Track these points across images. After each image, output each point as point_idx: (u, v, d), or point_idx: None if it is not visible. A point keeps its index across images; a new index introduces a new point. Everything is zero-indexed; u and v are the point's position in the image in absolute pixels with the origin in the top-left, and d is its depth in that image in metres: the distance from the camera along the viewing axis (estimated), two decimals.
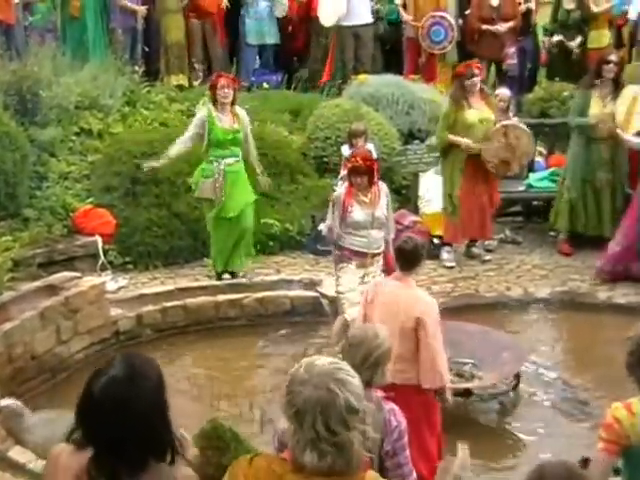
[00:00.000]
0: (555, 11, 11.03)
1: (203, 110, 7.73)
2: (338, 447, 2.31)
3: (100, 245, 8.02)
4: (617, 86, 8.24)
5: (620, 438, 3.26)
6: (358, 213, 6.17)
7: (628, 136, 7.97)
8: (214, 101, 7.60)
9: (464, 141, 8.07)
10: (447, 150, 8.25)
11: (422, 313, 4.80)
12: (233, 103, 7.63)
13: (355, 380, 2.39)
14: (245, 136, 7.67)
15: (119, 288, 7.68)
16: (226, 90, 7.53)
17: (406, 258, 4.97)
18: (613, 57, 8.39)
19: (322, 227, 8.32)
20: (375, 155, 8.42)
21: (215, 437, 4.44)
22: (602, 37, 10.51)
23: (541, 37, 11.57)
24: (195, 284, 7.75)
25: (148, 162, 7.81)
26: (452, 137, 8.12)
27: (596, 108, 8.24)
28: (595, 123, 8.17)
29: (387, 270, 6.26)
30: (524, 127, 8.38)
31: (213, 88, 7.61)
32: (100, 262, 7.98)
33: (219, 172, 7.49)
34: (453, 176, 8.23)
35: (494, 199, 8.41)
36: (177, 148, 7.66)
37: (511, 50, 10.90)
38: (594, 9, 10.66)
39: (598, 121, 8.16)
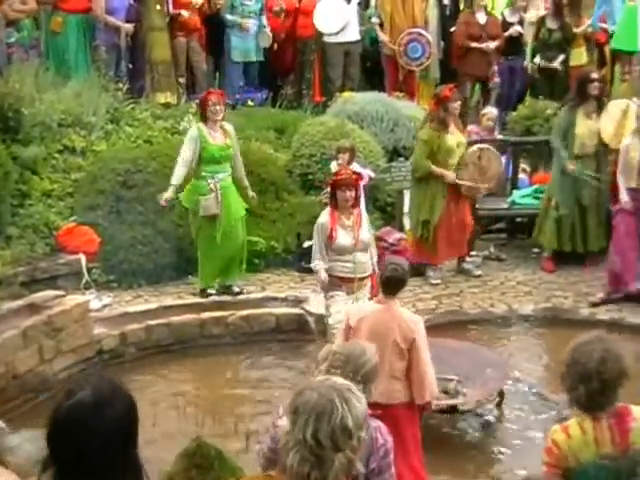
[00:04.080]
0: (538, 30, 11.14)
1: (193, 129, 7.72)
2: (319, 460, 2.31)
3: (84, 263, 7.98)
4: (600, 104, 8.32)
5: (559, 461, 3.27)
6: (343, 237, 6.20)
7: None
8: (204, 118, 7.60)
9: (449, 175, 8.12)
10: (427, 177, 8.24)
11: (416, 333, 4.87)
12: (222, 119, 7.68)
13: (361, 407, 2.39)
14: (234, 151, 7.74)
15: (103, 306, 7.64)
16: (217, 107, 7.61)
17: (394, 285, 4.99)
18: (595, 75, 8.48)
19: (307, 244, 8.36)
20: (371, 174, 8.51)
21: (199, 455, 4.41)
22: (581, 55, 10.60)
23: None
24: (180, 302, 7.74)
25: (160, 195, 7.76)
26: (436, 169, 8.13)
27: (582, 127, 8.30)
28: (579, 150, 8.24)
29: (373, 293, 6.31)
30: (496, 152, 8.50)
31: (204, 105, 7.64)
32: (84, 280, 7.94)
33: (215, 187, 7.53)
34: (434, 203, 8.23)
35: (469, 221, 8.47)
36: (182, 171, 7.63)
37: (495, 68, 10.98)
38: (575, 30, 10.78)
39: (579, 144, 8.23)
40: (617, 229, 7.91)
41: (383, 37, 11.14)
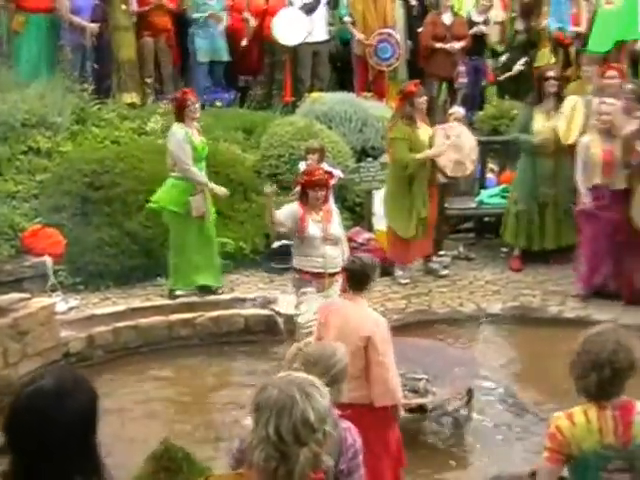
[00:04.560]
0: (503, 32, 11.24)
1: (179, 131, 7.64)
2: (283, 455, 2.30)
3: (50, 265, 7.89)
4: (560, 101, 8.39)
5: (562, 447, 3.30)
6: (313, 228, 6.22)
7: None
8: (182, 118, 7.60)
9: (429, 152, 8.13)
10: (411, 175, 8.19)
11: (371, 332, 4.79)
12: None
13: (323, 400, 2.39)
14: None
15: (69, 309, 7.57)
16: (196, 106, 7.65)
17: (354, 278, 4.96)
18: (552, 73, 8.60)
19: (276, 245, 8.35)
20: (341, 174, 8.53)
21: (167, 458, 4.38)
22: (544, 56, 10.68)
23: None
24: (148, 304, 7.69)
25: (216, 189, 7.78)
26: (419, 155, 8.13)
27: (539, 123, 8.40)
28: (538, 141, 8.31)
29: (344, 289, 6.32)
30: (459, 125, 8.53)
31: (183, 104, 7.62)
32: (50, 283, 7.85)
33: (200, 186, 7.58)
34: (424, 199, 8.25)
35: (435, 219, 8.50)
36: (199, 173, 7.62)
37: (462, 69, 11.04)
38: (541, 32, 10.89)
39: (541, 139, 8.30)
40: (583, 232, 7.99)
41: (359, 35, 11.14)
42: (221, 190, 7.80)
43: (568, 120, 8.29)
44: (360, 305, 4.93)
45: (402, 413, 5.04)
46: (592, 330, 3.42)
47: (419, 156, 8.13)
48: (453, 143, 8.23)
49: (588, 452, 3.28)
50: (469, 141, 8.40)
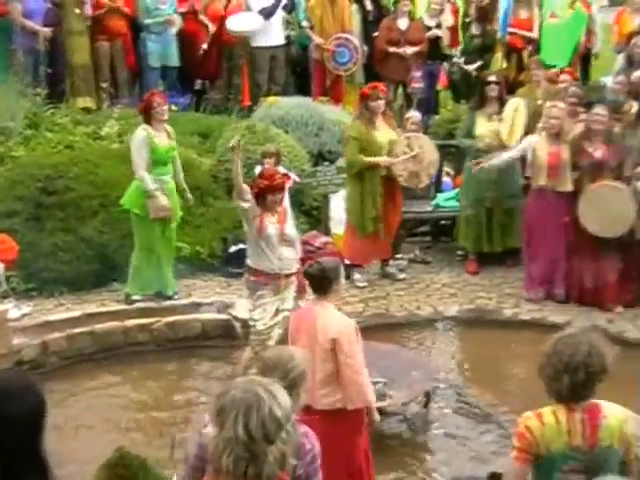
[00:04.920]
0: (454, 36, 11.38)
1: (140, 131, 7.60)
2: (253, 455, 2.30)
3: (2, 271, 7.76)
4: (502, 105, 8.49)
5: (531, 447, 3.32)
6: (271, 228, 6.21)
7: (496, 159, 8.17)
8: (148, 119, 7.56)
9: (381, 159, 8.15)
10: (362, 173, 8.27)
11: (337, 334, 4.77)
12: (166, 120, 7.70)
13: (286, 399, 2.44)
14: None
15: (22, 315, 7.45)
16: (164, 107, 7.60)
17: (315, 282, 4.93)
18: (493, 77, 8.69)
19: (233, 249, 8.32)
20: (297, 178, 8.52)
21: (121, 466, 4.32)
22: (497, 61, 10.79)
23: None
24: (103, 309, 7.60)
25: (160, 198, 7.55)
26: (368, 159, 8.17)
27: (482, 127, 8.49)
28: (482, 145, 8.40)
29: (299, 290, 6.32)
30: (425, 137, 8.55)
31: (148, 107, 7.57)
32: (2, 289, 7.72)
33: (163, 188, 7.51)
34: (375, 198, 8.27)
35: (396, 221, 8.52)
36: (148, 179, 7.48)
37: (417, 74, 11.10)
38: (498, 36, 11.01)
39: (485, 144, 8.38)
40: (529, 235, 8.08)
41: (318, 39, 11.15)
42: (160, 202, 7.54)
43: (510, 122, 8.39)
44: (326, 309, 4.90)
45: (378, 417, 5.01)
46: (564, 332, 3.44)
47: (368, 159, 8.16)
48: (413, 155, 8.22)
49: (556, 453, 3.30)
50: (430, 156, 8.38)
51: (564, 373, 3.28)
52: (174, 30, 10.98)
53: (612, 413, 3.38)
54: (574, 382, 3.28)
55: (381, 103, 8.21)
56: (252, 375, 3.78)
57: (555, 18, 10.26)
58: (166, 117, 7.66)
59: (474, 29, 11.12)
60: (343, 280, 5.19)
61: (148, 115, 7.59)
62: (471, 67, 11.01)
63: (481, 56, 11.06)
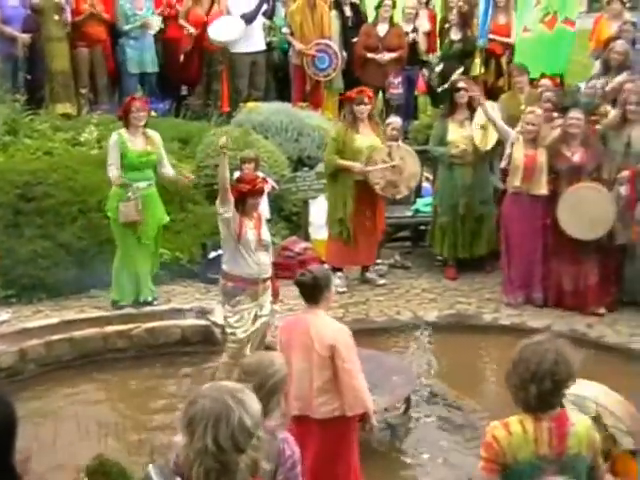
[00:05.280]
0: (431, 42, 11.42)
1: (114, 135, 7.65)
2: (223, 465, 2.29)
3: None
4: (472, 111, 8.53)
5: (498, 457, 3.30)
6: (250, 233, 6.20)
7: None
8: (127, 124, 7.58)
9: (356, 165, 8.16)
10: (336, 174, 8.30)
11: (334, 340, 4.79)
12: (145, 126, 7.66)
13: (256, 405, 2.41)
14: (160, 157, 7.74)
15: (1, 322, 7.42)
16: (141, 113, 7.59)
17: (307, 291, 4.93)
18: (462, 84, 8.71)
19: (213, 255, 8.30)
20: (275, 185, 8.53)
21: (101, 473, 4.32)
22: (476, 66, 10.85)
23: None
24: (82, 316, 7.57)
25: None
26: (342, 161, 8.19)
27: (454, 134, 8.53)
28: (455, 152, 8.43)
29: (274, 294, 6.38)
30: (410, 149, 8.52)
31: (126, 111, 7.59)
32: None
33: (134, 193, 7.49)
34: (346, 200, 8.28)
35: (380, 225, 8.52)
36: (115, 171, 7.54)
37: (396, 80, 11.14)
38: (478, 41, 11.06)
39: (459, 151, 8.42)
40: (506, 239, 8.12)
41: (298, 45, 11.16)
42: (129, 207, 7.52)
43: (484, 127, 8.43)
44: (319, 316, 4.91)
45: (375, 423, 4.99)
46: (530, 340, 3.39)
47: (342, 162, 8.17)
48: (392, 165, 8.20)
49: (523, 462, 3.28)
50: (412, 168, 8.33)
51: (531, 382, 3.25)
52: (153, 31, 10.95)
53: (580, 420, 3.37)
54: (541, 391, 3.25)
55: (364, 108, 8.20)
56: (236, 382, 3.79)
57: (528, 32, 10.32)
58: (142, 123, 7.62)
59: (453, 34, 11.16)
60: (333, 288, 5.21)
61: (126, 119, 7.61)
62: (453, 76, 11.03)
63: (461, 62, 11.11)
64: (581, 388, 3.72)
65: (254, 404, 2.40)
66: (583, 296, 7.85)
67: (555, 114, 8.28)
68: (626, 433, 3.75)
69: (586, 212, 7.55)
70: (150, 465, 3.20)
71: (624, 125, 7.85)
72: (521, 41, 10.43)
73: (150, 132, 7.74)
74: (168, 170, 7.88)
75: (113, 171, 7.56)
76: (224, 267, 6.34)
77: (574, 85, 9.79)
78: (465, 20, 11.11)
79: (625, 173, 7.72)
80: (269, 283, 6.33)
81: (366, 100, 8.22)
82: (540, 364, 3.25)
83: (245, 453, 2.32)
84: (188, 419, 2.35)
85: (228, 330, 6.35)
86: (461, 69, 10.98)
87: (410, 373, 6.53)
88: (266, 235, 6.34)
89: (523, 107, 8.62)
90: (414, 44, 11.46)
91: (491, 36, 10.85)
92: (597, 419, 3.70)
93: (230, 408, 2.34)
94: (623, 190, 7.71)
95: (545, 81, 8.78)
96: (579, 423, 3.35)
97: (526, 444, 3.28)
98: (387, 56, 11.06)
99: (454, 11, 11.26)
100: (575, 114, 7.83)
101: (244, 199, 6.18)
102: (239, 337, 6.24)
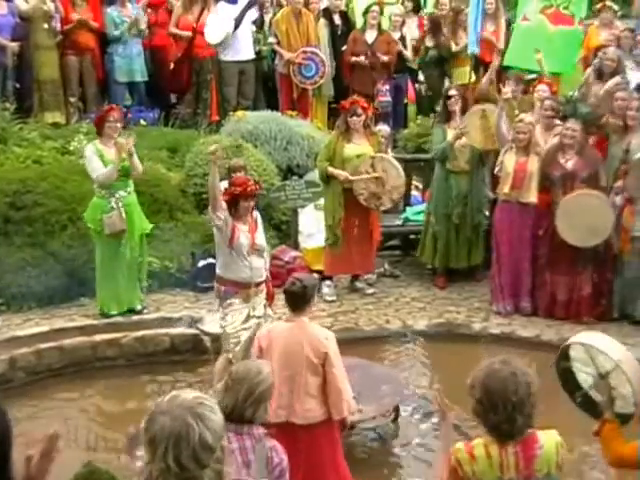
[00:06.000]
0: (416, 50, 11.49)
1: (89, 147, 7.64)
2: None
3: None
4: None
5: None
6: (243, 237, 6.22)
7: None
8: (100, 134, 7.57)
9: (342, 173, 8.19)
10: (328, 181, 8.35)
11: (326, 347, 4.89)
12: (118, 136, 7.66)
13: (216, 417, 2.36)
14: (131, 162, 7.66)
15: None
16: (117, 124, 7.58)
17: (296, 300, 4.98)
18: (453, 91, 8.77)
19: (202, 263, 8.31)
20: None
21: None
22: (464, 74, 10.91)
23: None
24: (71, 324, 7.57)
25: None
26: (330, 169, 8.24)
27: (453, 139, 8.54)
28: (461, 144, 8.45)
29: (268, 298, 6.41)
30: (394, 161, 8.49)
31: (103, 120, 7.57)
32: None
33: (116, 203, 7.48)
34: (334, 207, 8.32)
35: (375, 233, 8.54)
36: (106, 171, 7.49)
37: (383, 88, 11.17)
38: (454, 48, 11.09)
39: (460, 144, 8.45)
40: (496, 248, 8.14)
41: (285, 54, 11.18)
42: (114, 219, 7.50)
43: (482, 129, 8.44)
44: (305, 325, 4.96)
45: (349, 420, 5.08)
46: (487, 367, 3.26)
47: (330, 169, 8.23)
48: (374, 176, 8.20)
49: None
50: (394, 181, 8.29)
51: (490, 411, 3.15)
52: (143, 26, 10.95)
53: (548, 440, 3.26)
54: (507, 419, 3.14)
55: (357, 120, 8.20)
56: (223, 390, 3.79)
57: (526, 21, 10.31)
58: (116, 134, 7.57)
59: (428, 41, 11.25)
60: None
61: (101, 129, 7.58)
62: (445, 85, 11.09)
63: (439, 67, 11.19)
64: (610, 346, 3.74)
65: (214, 416, 2.35)
66: (576, 306, 7.87)
67: (557, 121, 8.27)
68: (631, 403, 3.73)
69: (585, 218, 7.50)
70: None
71: (625, 132, 7.93)
72: (517, 28, 10.41)
73: (119, 138, 7.65)
74: (137, 166, 7.69)
75: (104, 171, 7.47)
76: (218, 271, 6.39)
77: (569, 95, 9.80)
78: (437, 26, 11.19)
79: (620, 183, 7.76)
80: (263, 286, 6.36)
81: (359, 111, 8.22)
82: (501, 393, 3.14)
83: (209, 467, 2.31)
84: (149, 438, 2.31)
85: (221, 330, 6.36)
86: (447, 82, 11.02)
87: (399, 382, 6.54)
88: (261, 239, 6.35)
89: (517, 112, 8.65)
90: (400, 52, 11.50)
91: (484, 34, 10.81)
92: (604, 377, 3.73)
93: (190, 426, 2.29)
94: (618, 200, 7.75)
95: (542, 86, 8.78)
96: (547, 443, 3.25)
97: (490, 469, 3.20)
98: (367, 59, 10.94)
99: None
100: (571, 125, 7.86)
101: (236, 202, 6.20)
102: (227, 332, 6.27)
